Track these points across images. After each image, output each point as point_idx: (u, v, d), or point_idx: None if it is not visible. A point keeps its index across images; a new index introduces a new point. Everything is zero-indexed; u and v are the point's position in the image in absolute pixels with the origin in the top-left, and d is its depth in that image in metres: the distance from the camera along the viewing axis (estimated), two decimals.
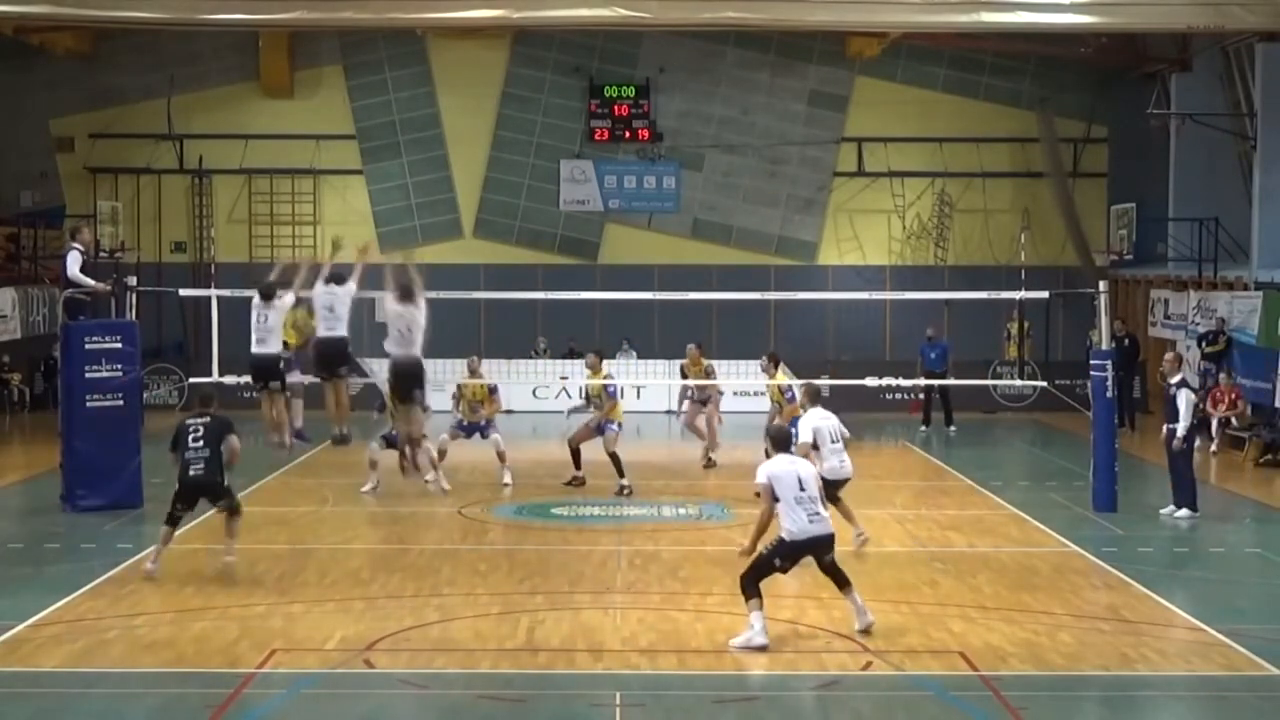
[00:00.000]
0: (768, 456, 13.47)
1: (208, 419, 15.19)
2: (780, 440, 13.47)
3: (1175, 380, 19.13)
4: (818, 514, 12.80)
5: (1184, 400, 18.85)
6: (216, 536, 15.93)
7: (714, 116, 34.20)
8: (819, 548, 12.87)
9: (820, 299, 32.43)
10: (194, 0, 26.17)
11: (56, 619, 13.40)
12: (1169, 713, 11.54)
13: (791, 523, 12.65)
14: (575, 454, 20.84)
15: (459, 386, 21.29)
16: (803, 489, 12.73)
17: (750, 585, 12.67)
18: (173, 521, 15.21)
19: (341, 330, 17.18)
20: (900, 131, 34.01)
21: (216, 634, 12.92)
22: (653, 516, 19.09)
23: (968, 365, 30.57)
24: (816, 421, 16.41)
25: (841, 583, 13.07)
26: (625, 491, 20.25)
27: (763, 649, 12.43)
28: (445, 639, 12.98)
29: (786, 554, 12.75)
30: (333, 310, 17.13)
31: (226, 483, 15.29)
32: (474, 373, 21.22)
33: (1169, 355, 20.06)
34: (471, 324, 31.88)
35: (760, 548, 12.83)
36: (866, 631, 12.93)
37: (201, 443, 15.04)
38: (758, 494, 12.96)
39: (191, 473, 15.02)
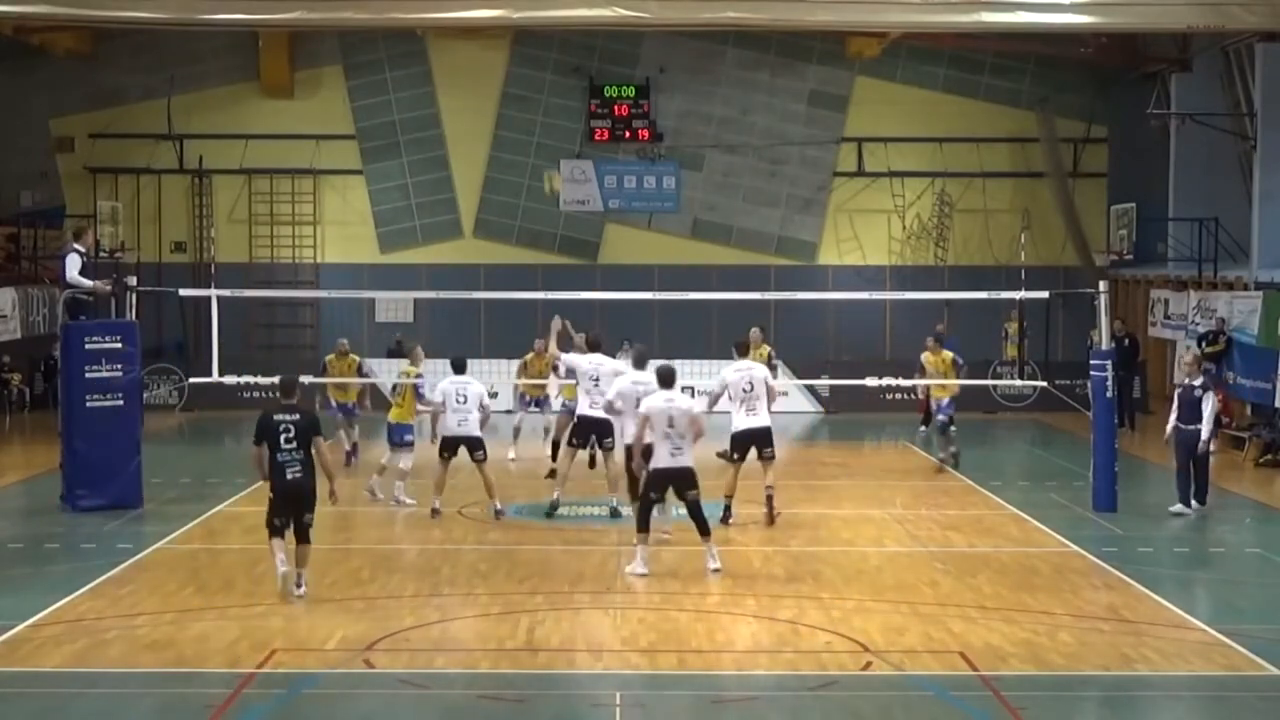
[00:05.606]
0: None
1: (297, 415, 13.83)
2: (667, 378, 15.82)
3: (1199, 382, 19.29)
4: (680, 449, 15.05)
5: (1209, 403, 19.08)
6: (216, 536, 15.86)
7: (714, 116, 34.19)
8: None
9: (820, 299, 32.41)
10: (194, 0, 26.19)
11: (56, 619, 13.38)
12: (1169, 713, 11.54)
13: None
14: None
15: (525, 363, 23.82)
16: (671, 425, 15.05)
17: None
18: (278, 533, 13.94)
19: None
20: (900, 131, 33.99)
21: (216, 634, 12.90)
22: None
23: (967, 365, 30.46)
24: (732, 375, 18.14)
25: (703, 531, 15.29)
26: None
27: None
28: (445, 639, 12.98)
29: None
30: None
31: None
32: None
33: (1188, 357, 20.17)
34: (471, 324, 31.89)
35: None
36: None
37: (295, 444, 13.68)
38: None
39: (289, 476, 13.73)
